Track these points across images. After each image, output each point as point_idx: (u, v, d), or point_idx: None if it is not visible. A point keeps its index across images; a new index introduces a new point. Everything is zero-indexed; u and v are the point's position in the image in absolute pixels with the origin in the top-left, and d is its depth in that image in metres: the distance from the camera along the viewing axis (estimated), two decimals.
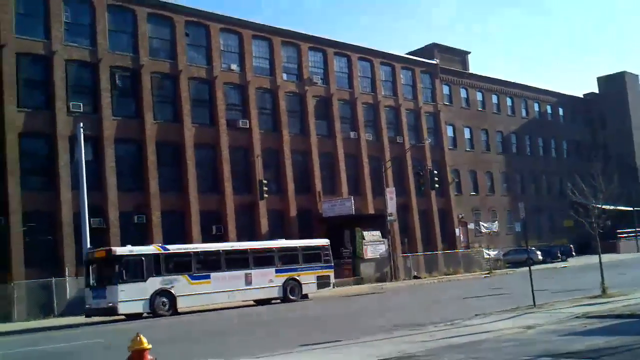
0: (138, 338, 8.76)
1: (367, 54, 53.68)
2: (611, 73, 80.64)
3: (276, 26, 47.57)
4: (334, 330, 18.46)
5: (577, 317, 17.03)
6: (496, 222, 61.72)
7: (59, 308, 31.55)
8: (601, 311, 17.69)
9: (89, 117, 36.84)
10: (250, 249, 32.29)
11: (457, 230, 57.33)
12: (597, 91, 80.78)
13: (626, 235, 69.44)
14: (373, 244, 45.78)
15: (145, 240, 38.56)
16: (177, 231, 40.13)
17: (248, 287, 30.66)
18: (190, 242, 40.12)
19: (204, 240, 40.61)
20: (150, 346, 8.80)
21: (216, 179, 42.78)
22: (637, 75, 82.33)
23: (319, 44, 50.18)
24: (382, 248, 46.12)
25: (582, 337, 13.63)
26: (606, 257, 32.85)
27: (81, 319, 28.97)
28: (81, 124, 33.11)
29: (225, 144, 43.01)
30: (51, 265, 34.26)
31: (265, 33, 46.76)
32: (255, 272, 30.94)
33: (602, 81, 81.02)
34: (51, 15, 36.86)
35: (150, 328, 22.03)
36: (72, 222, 35.24)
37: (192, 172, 41.17)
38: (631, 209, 66.48)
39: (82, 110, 37.05)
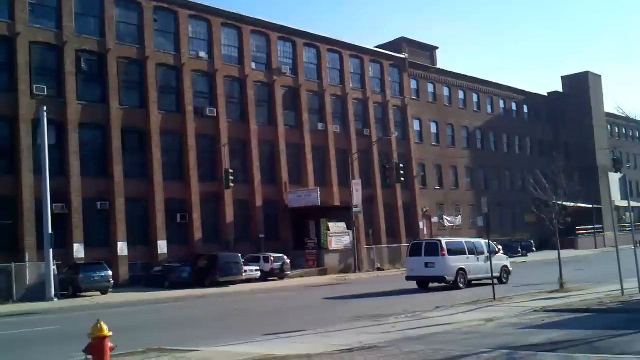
0: (98, 325, 8.70)
1: (336, 46, 53.65)
2: (575, 72, 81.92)
3: (246, 14, 47.27)
4: (298, 319, 18.55)
5: (535, 310, 17.42)
6: (459, 216, 62.41)
7: (18, 293, 30.99)
8: (559, 305, 18.13)
9: (53, 101, 36.18)
10: None
11: (420, 223, 57.83)
12: (561, 90, 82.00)
13: (585, 231, 70.86)
14: (338, 235, 45.97)
15: (109, 227, 38.23)
16: (140, 218, 39.80)
17: None
18: (154, 229, 39.88)
19: (168, 228, 40.37)
20: (110, 333, 8.75)
21: (182, 166, 42.43)
22: (600, 76, 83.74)
23: (289, 34, 49.99)
24: (347, 239, 46.32)
25: (540, 330, 13.95)
26: (565, 253, 33.60)
27: (40, 305, 28.58)
28: (45, 108, 32.53)
29: (192, 132, 42.65)
30: (11, 250, 33.67)
31: (234, 21, 46.40)
32: None
33: (566, 80, 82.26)
34: None
35: None
36: (34, 207, 34.60)
37: (157, 159, 40.75)
38: (590, 206, 67.81)
39: (45, 93, 36.34)
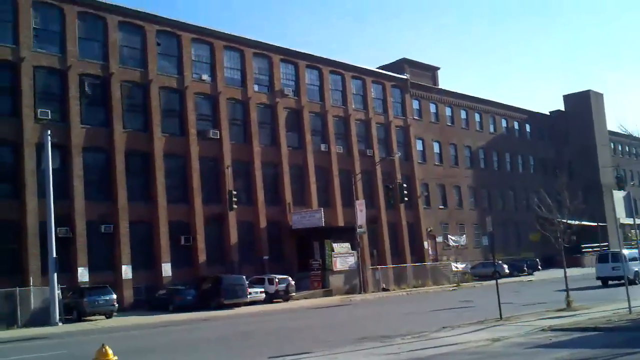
0: (103, 350, 8.67)
1: (339, 67, 53.94)
2: (577, 91, 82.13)
3: (248, 37, 47.61)
4: (303, 341, 18.44)
5: (542, 330, 17.29)
6: (464, 235, 62.25)
7: (22, 318, 30.86)
8: (566, 324, 17.99)
9: (57, 125, 36.33)
10: None
11: (425, 244, 57.68)
12: (563, 108, 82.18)
13: (591, 249, 70.48)
14: (342, 256, 45.81)
15: (113, 250, 38.20)
16: (145, 241, 39.74)
17: None
18: (158, 252, 39.80)
19: (172, 251, 40.30)
20: (115, 357, 8.71)
21: (185, 189, 42.46)
22: (602, 94, 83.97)
23: (291, 56, 50.29)
24: (352, 260, 46.16)
25: (548, 350, 13.84)
26: (571, 271, 33.38)
27: (46, 329, 28.46)
28: (49, 132, 32.67)
29: (195, 155, 42.74)
30: (15, 275, 33.58)
31: (237, 44, 46.73)
32: None
33: (568, 99, 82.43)
34: (20, 21, 36.33)
35: None
36: (38, 231, 34.60)
37: (161, 182, 40.81)
38: (595, 224, 67.59)
39: (50, 117, 36.50)
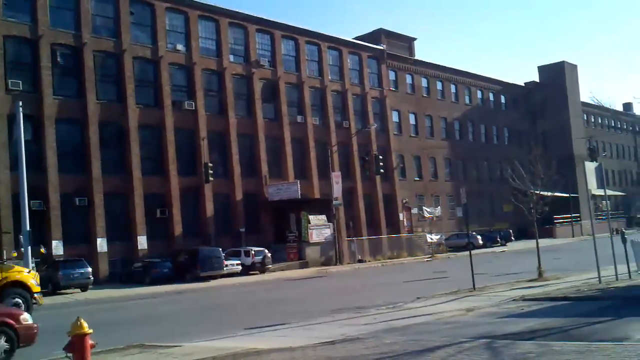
0: (78, 322, 8.65)
1: (315, 38, 53.56)
2: (551, 62, 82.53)
3: (223, 7, 46.99)
4: (280, 313, 18.60)
5: (514, 300, 17.63)
6: (439, 207, 62.74)
7: None
8: (537, 294, 18.35)
9: (28, 96, 35.68)
10: None
11: (401, 215, 58.11)
12: (538, 80, 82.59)
13: (563, 220, 71.62)
14: (319, 228, 46.02)
15: (88, 223, 37.93)
16: (120, 214, 39.50)
17: None
18: (134, 225, 39.62)
19: (148, 223, 40.14)
20: (91, 330, 8.70)
21: (161, 161, 42.13)
22: (576, 66, 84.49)
23: (267, 27, 49.78)
24: (328, 232, 46.39)
25: (519, 319, 14.13)
26: (543, 242, 33.99)
27: None
28: (20, 103, 31.95)
29: (170, 126, 42.36)
30: None
31: (212, 13, 46.11)
32: None
33: (543, 70, 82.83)
34: None
35: None
36: (11, 204, 34.18)
37: (136, 153, 40.44)
38: (568, 195, 68.52)
39: (21, 88, 35.86)
